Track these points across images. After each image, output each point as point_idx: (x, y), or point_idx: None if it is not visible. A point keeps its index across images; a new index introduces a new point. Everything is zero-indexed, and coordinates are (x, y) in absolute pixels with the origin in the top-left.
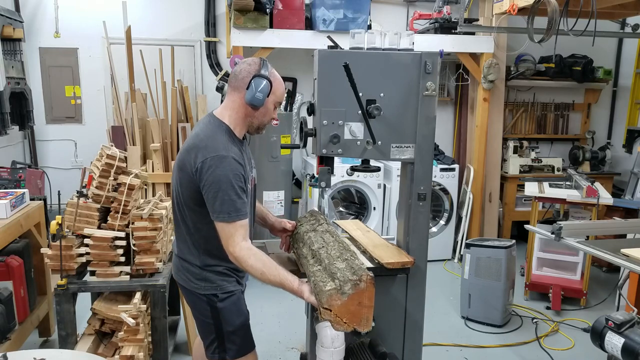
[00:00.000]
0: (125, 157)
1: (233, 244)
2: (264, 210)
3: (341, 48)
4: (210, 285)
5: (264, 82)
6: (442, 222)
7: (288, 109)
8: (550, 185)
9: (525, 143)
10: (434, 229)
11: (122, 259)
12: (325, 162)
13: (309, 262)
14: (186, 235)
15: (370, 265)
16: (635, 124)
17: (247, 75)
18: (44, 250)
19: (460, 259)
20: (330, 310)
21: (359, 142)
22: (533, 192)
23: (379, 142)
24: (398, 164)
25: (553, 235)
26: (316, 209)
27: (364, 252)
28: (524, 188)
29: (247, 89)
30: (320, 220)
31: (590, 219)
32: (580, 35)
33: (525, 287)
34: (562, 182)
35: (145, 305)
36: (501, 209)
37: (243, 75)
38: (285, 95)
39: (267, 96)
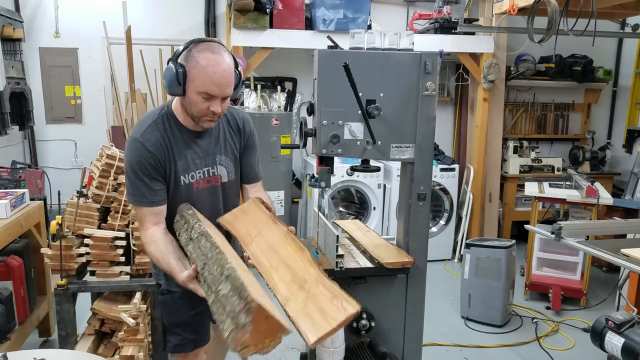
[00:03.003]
0: None
1: (141, 228)
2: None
3: (341, 48)
4: (157, 275)
5: (173, 68)
6: (442, 222)
7: (288, 109)
8: (550, 185)
9: (525, 143)
10: (434, 229)
11: (122, 259)
12: (325, 162)
13: (204, 289)
14: None
15: (370, 265)
16: (635, 124)
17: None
18: (44, 250)
19: (460, 259)
20: (248, 347)
21: (358, 142)
22: (533, 192)
23: (379, 142)
24: (398, 164)
25: (553, 235)
26: (316, 209)
27: (364, 252)
28: (524, 188)
29: None
30: (190, 221)
31: (590, 219)
32: (580, 35)
33: (525, 287)
34: (562, 182)
35: (145, 305)
36: (501, 209)
37: None
38: (242, 87)
39: (180, 84)
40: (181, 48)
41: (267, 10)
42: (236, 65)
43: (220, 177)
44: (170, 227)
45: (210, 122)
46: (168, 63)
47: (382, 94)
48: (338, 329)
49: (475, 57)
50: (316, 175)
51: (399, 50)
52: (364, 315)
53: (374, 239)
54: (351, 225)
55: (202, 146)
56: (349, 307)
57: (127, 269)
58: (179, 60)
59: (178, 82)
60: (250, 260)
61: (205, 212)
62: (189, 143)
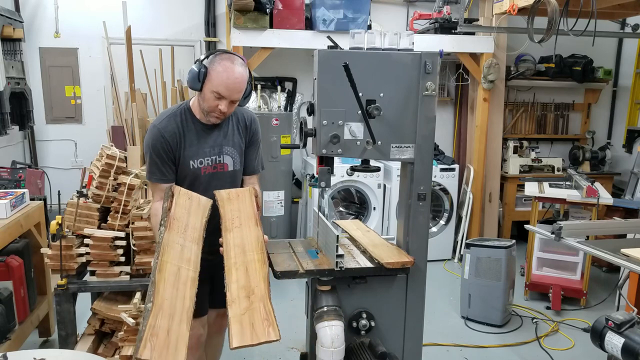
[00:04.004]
0: (125, 157)
1: (152, 200)
2: None
3: (341, 48)
4: None
5: (197, 68)
6: (442, 222)
7: (288, 109)
8: (550, 185)
9: (525, 143)
10: (434, 229)
11: (122, 259)
12: (325, 162)
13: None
14: None
15: (370, 265)
16: (635, 124)
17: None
18: (44, 250)
19: (460, 259)
20: None
21: (358, 142)
22: (533, 192)
23: (379, 142)
24: (398, 164)
25: (553, 235)
26: (316, 209)
27: (364, 252)
28: (524, 188)
29: None
30: (160, 230)
31: (590, 219)
32: (580, 35)
33: (525, 287)
34: (562, 182)
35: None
36: (501, 209)
37: None
38: (243, 92)
39: (200, 82)
40: (207, 54)
41: (267, 10)
42: (250, 78)
43: (226, 165)
44: None
45: (216, 119)
46: (195, 63)
47: (382, 94)
48: (256, 345)
49: (475, 57)
50: (316, 175)
51: (399, 50)
52: (364, 315)
53: (374, 239)
54: (351, 225)
55: (212, 137)
56: (272, 334)
57: (127, 269)
58: (203, 62)
59: (198, 79)
60: (221, 247)
61: (210, 193)
62: (201, 134)
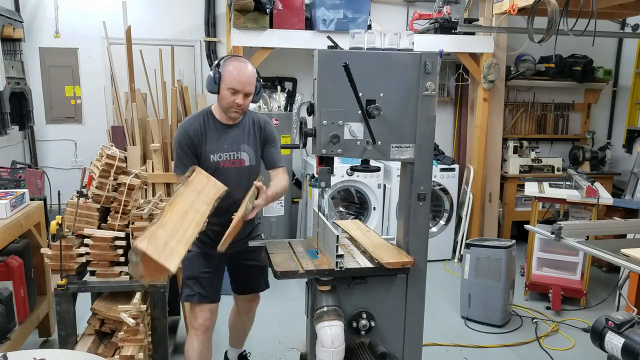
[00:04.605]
0: (125, 157)
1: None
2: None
3: (341, 48)
4: None
5: (212, 73)
6: (442, 222)
7: (288, 109)
8: (550, 185)
9: (525, 143)
10: (434, 229)
11: (122, 259)
12: (325, 162)
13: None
14: None
15: (370, 265)
16: (635, 124)
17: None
18: (44, 250)
19: (460, 259)
20: (143, 277)
21: (358, 142)
22: (533, 192)
23: (379, 142)
24: (398, 164)
25: (553, 235)
26: (316, 209)
27: (364, 252)
28: (524, 188)
29: None
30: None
31: (590, 219)
32: (580, 35)
33: (525, 287)
34: (562, 182)
35: (145, 306)
36: (501, 209)
37: None
38: (259, 87)
39: (216, 84)
40: (217, 61)
41: (267, 10)
42: (258, 76)
43: (243, 161)
44: None
45: (235, 113)
46: (210, 71)
47: (382, 94)
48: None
49: (475, 57)
50: (316, 175)
51: (399, 50)
52: (364, 315)
53: (374, 239)
54: (351, 225)
55: (231, 135)
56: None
57: (127, 269)
58: (216, 68)
59: (215, 82)
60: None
61: (230, 184)
62: (221, 132)
